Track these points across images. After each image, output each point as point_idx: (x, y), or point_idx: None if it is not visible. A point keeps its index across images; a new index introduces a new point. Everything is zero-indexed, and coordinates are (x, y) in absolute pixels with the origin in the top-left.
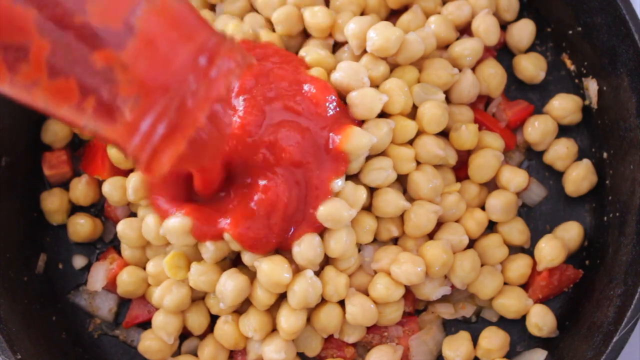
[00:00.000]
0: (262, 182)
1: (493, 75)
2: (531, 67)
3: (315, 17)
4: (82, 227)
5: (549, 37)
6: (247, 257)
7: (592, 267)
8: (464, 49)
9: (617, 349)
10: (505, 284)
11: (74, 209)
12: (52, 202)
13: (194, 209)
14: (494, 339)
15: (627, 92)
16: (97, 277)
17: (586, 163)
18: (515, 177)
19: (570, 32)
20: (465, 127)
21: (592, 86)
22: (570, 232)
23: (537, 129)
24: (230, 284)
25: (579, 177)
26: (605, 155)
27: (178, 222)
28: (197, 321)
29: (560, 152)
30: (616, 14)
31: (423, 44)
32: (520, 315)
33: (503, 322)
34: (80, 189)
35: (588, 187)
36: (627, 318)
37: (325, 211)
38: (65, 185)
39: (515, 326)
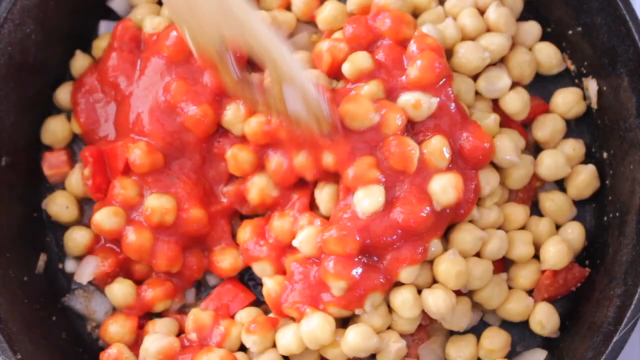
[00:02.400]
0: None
1: (528, 62)
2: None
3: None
4: (81, 239)
5: (549, 37)
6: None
7: (592, 267)
8: (490, 43)
9: (617, 349)
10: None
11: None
12: (59, 204)
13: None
14: (495, 340)
15: (627, 92)
16: (86, 270)
17: (590, 169)
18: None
19: (570, 32)
20: (494, 117)
21: (592, 86)
22: (573, 233)
23: (546, 127)
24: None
25: (583, 184)
26: (605, 155)
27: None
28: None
29: (567, 152)
30: (616, 14)
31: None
32: (525, 317)
33: (503, 322)
34: (76, 179)
35: (591, 192)
36: (627, 318)
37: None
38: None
39: (515, 326)
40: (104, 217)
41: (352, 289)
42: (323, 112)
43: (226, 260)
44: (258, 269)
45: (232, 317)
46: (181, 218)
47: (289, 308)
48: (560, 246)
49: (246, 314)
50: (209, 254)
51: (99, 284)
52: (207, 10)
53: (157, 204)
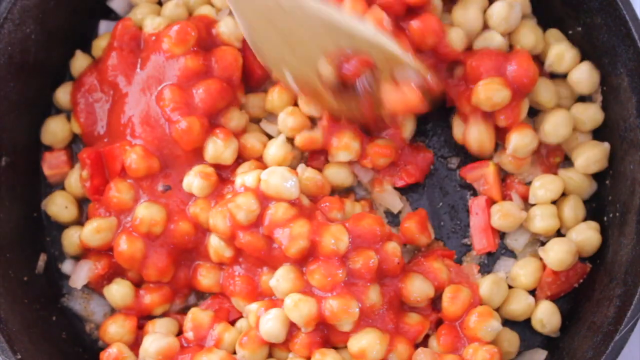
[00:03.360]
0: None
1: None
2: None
3: None
4: (78, 238)
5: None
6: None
7: (592, 267)
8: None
9: (617, 349)
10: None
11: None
12: (59, 204)
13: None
14: (511, 341)
15: (627, 92)
16: (80, 274)
17: (606, 146)
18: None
19: (570, 32)
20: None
21: None
22: (582, 234)
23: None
24: None
25: (593, 159)
26: None
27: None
28: None
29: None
30: (616, 14)
31: None
32: (527, 316)
33: (504, 322)
34: (76, 179)
35: (597, 169)
36: (627, 318)
37: None
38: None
39: (515, 325)
40: (88, 236)
41: (362, 316)
42: (430, 80)
43: (207, 279)
44: (236, 303)
45: (232, 323)
46: (169, 229)
47: (299, 349)
48: (565, 247)
49: (246, 324)
50: (195, 266)
51: (95, 288)
52: (309, 35)
53: (146, 213)
